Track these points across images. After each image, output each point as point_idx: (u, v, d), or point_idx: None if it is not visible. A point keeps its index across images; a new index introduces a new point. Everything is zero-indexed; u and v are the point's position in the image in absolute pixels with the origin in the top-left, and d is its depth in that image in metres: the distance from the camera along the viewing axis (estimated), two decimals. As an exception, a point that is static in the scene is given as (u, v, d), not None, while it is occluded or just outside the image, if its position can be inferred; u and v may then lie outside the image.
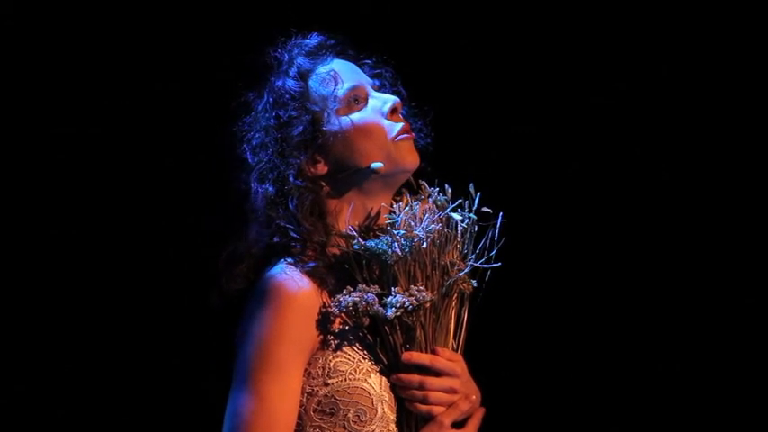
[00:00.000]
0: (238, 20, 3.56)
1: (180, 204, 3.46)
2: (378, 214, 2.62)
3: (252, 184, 2.58)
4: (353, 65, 2.69)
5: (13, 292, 3.50)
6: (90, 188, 3.54)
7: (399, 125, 2.61)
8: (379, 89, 2.69)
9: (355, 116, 2.60)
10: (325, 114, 2.60)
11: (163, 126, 3.53)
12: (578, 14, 3.82)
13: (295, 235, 2.55)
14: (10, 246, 3.49)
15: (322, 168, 2.60)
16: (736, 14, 3.78)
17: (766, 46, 3.79)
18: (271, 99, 2.63)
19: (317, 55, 2.66)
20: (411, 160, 2.61)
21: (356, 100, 2.62)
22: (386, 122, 2.61)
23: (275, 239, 2.56)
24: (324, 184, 2.60)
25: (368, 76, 2.70)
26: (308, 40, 2.68)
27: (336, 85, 2.62)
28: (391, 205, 2.60)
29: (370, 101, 2.63)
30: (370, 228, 2.61)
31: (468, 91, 3.76)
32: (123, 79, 3.53)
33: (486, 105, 3.78)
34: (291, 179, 2.56)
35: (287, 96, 2.61)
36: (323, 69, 2.64)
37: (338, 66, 2.65)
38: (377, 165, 2.58)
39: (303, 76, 2.64)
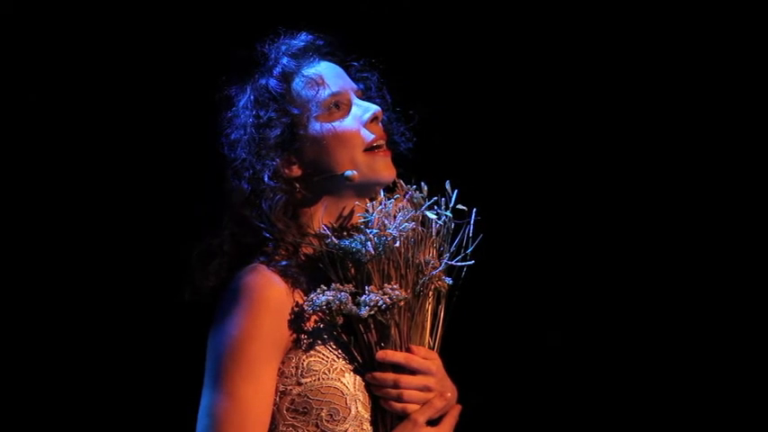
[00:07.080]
0: (231, 13, 3.57)
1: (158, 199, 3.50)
2: (351, 214, 2.62)
3: (227, 181, 2.59)
4: (339, 68, 2.68)
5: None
6: (80, 185, 3.56)
7: (374, 135, 2.60)
8: (363, 93, 2.68)
9: (334, 123, 2.59)
10: (305, 118, 2.60)
11: (153, 123, 3.56)
12: (563, 14, 3.82)
13: (267, 234, 2.56)
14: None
15: (296, 171, 2.61)
16: (737, 14, 3.77)
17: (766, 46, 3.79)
18: (252, 97, 2.62)
19: (303, 56, 2.65)
20: (386, 174, 2.60)
21: (337, 106, 2.62)
22: (363, 131, 2.60)
23: (248, 238, 2.57)
24: (298, 185, 2.60)
25: (353, 79, 2.69)
26: (295, 41, 2.67)
27: (319, 89, 2.61)
28: (366, 203, 2.60)
29: (353, 108, 2.63)
30: (343, 227, 2.61)
31: (448, 90, 3.76)
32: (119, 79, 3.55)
33: (465, 104, 3.79)
34: (266, 179, 2.56)
35: (268, 96, 2.61)
36: (307, 72, 2.63)
37: (323, 69, 2.64)
38: (350, 173, 2.58)
39: (287, 77, 2.63)
